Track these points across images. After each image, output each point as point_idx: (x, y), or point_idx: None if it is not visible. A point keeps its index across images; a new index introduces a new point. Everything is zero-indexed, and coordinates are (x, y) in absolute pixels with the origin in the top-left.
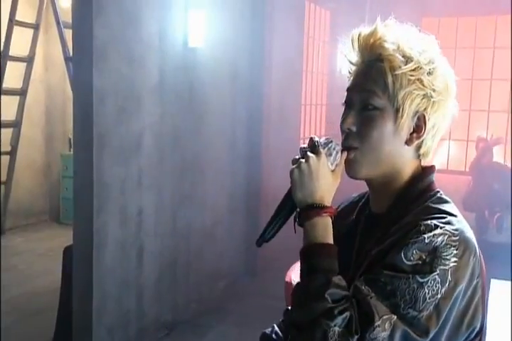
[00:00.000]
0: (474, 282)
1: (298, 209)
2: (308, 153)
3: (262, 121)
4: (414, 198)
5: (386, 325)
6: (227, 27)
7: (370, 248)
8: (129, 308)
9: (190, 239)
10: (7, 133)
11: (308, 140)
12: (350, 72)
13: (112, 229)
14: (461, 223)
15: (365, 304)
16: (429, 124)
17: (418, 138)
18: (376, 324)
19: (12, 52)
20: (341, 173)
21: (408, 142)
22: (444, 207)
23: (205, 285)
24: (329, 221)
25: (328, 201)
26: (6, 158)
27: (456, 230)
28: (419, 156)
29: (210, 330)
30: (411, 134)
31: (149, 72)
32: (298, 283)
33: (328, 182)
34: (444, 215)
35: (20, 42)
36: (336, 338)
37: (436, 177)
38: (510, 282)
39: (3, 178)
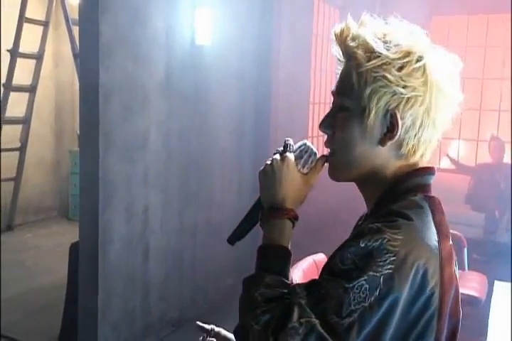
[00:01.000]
0: (427, 293)
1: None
2: (274, 156)
3: (270, 119)
4: (391, 200)
5: (301, 329)
6: (235, 25)
7: None
8: (135, 305)
9: (197, 236)
10: (16, 129)
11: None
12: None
13: (117, 227)
14: (415, 228)
15: (290, 306)
16: (405, 122)
17: (391, 138)
18: (290, 326)
19: (22, 49)
20: (315, 177)
21: (381, 142)
22: (408, 210)
23: (211, 283)
24: (286, 224)
25: (290, 204)
26: (15, 155)
27: (400, 235)
28: (403, 156)
29: None
30: (385, 134)
31: (156, 70)
32: (242, 281)
33: (293, 185)
34: (396, 218)
35: (30, 39)
36: (256, 338)
37: (444, 177)
38: (510, 283)
39: (13, 174)
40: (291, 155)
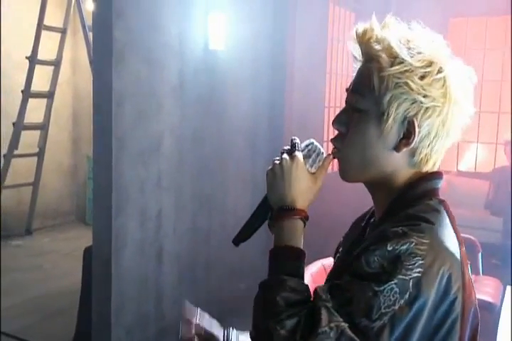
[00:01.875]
0: (450, 297)
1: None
2: (283, 155)
3: (284, 123)
4: (406, 205)
5: (332, 333)
6: (248, 29)
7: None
8: (148, 309)
9: (210, 240)
10: (35, 135)
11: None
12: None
13: (131, 230)
14: (438, 232)
15: (316, 310)
16: (421, 131)
17: (407, 144)
18: (320, 330)
19: (40, 56)
20: (322, 176)
21: (396, 148)
22: (426, 214)
23: (225, 287)
24: (298, 224)
25: (301, 204)
26: (33, 160)
27: (426, 239)
28: (415, 164)
29: None
30: (400, 140)
31: (169, 75)
32: (259, 284)
33: (303, 185)
34: (419, 222)
35: (48, 46)
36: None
37: (462, 182)
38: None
39: (31, 180)
40: (300, 155)
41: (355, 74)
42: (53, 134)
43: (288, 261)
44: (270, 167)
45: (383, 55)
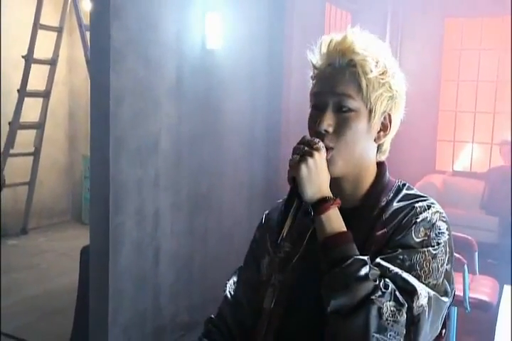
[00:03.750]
0: (451, 248)
1: (309, 206)
2: (313, 151)
3: (281, 122)
4: (382, 190)
5: (424, 293)
6: (246, 29)
7: (364, 239)
8: (145, 308)
9: (208, 239)
10: (31, 134)
11: (300, 139)
12: (312, 77)
13: (128, 229)
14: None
15: (399, 279)
16: (393, 121)
17: (384, 136)
18: (419, 292)
19: (36, 55)
20: None
21: (376, 140)
22: (417, 192)
23: (222, 286)
24: (338, 211)
25: (331, 194)
26: (29, 159)
27: (440, 208)
28: (382, 152)
29: None
30: (378, 133)
31: (167, 74)
32: (331, 272)
33: (329, 177)
34: (426, 197)
35: (44, 45)
36: (390, 312)
37: (458, 181)
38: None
39: (27, 179)
40: (320, 151)
41: (318, 79)
42: (49, 133)
43: (351, 244)
44: (302, 163)
45: (369, 60)
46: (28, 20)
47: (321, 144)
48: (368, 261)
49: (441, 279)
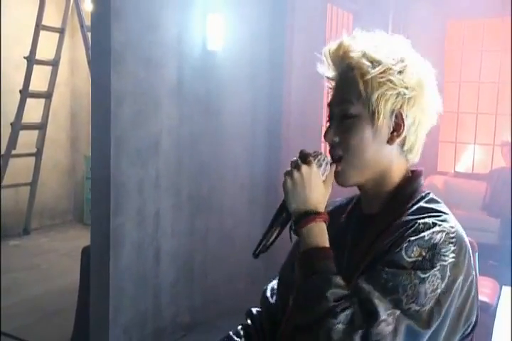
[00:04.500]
0: (470, 277)
1: (293, 218)
2: (302, 164)
3: (282, 123)
4: (405, 199)
5: (390, 320)
6: (247, 30)
7: (367, 248)
8: (146, 308)
9: (208, 240)
10: (33, 135)
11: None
12: (330, 88)
13: (128, 230)
14: (454, 220)
15: (367, 302)
16: (408, 120)
17: (398, 135)
18: (381, 319)
19: (38, 56)
20: (332, 183)
21: (390, 141)
22: (438, 206)
23: (223, 287)
24: (324, 226)
25: (321, 208)
26: (31, 160)
27: (452, 227)
28: (404, 153)
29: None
30: (391, 133)
31: (167, 75)
32: (298, 287)
33: (321, 191)
34: (440, 213)
35: (46, 46)
36: (340, 335)
37: (460, 183)
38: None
39: (29, 179)
40: (311, 165)
41: (333, 90)
42: (51, 134)
43: (325, 260)
44: (287, 176)
45: (363, 62)
46: (31, 21)
47: (321, 157)
48: (335, 280)
49: (428, 307)
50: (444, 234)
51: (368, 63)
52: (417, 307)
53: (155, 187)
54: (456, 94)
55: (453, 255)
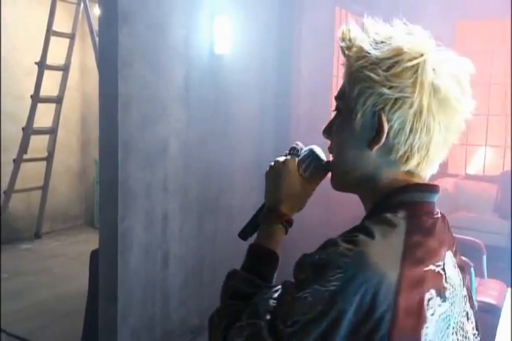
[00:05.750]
0: (376, 315)
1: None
2: (278, 158)
3: (290, 127)
4: (379, 213)
5: (246, 330)
6: (254, 34)
7: None
8: (155, 311)
9: (217, 243)
10: (44, 139)
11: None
12: None
13: (137, 233)
14: (374, 248)
15: (249, 305)
16: (393, 125)
17: (377, 141)
18: (237, 325)
19: (49, 61)
20: (318, 183)
21: (370, 145)
22: (375, 227)
23: None
24: (278, 228)
25: (286, 208)
26: (42, 164)
27: (354, 252)
28: (394, 163)
29: None
30: (374, 137)
31: (175, 79)
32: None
33: (292, 189)
34: (358, 234)
35: (56, 52)
36: (214, 329)
37: (471, 185)
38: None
39: (40, 183)
40: (293, 158)
41: None
42: (62, 139)
43: (256, 261)
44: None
45: (352, 52)
46: (41, 27)
47: (298, 152)
48: (244, 275)
49: (291, 329)
50: (337, 256)
51: (355, 55)
52: (282, 327)
53: (163, 190)
54: None
55: (337, 283)
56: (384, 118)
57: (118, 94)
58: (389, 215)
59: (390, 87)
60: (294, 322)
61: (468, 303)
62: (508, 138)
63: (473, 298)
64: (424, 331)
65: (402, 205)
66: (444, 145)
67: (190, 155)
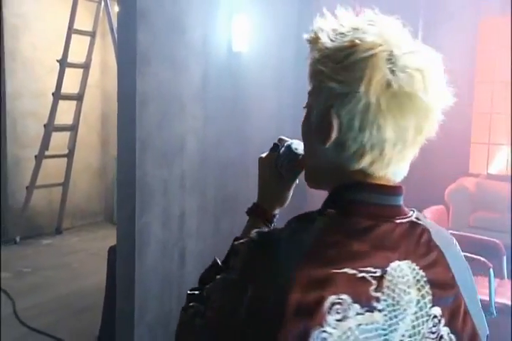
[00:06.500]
0: (269, 305)
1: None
2: (261, 154)
3: None
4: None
5: (190, 312)
6: (273, 31)
7: None
8: (171, 308)
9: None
10: (64, 136)
11: None
12: None
13: (154, 230)
14: (267, 243)
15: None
16: (342, 121)
17: (329, 136)
18: (188, 305)
19: (70, 59)
20: (295, 181)
21: (322, 141)
22: (295, 223)
23: None
24: (256, 223)
25: (267, 204)
26: (63, 161)
27: (252, 244)
28: (348, 160)
29: None
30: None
31: (192, 76)
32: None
33: (269, 184)
34: (277, 228)
35: (77, 49)
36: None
37: (493, 185)
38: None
39: (61, 180)
40: (270, 154)
41: None
42: (82, 136)
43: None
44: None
45: (311, 45)
46: (63, 25)
47: (279, 147)
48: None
49: (209, 313)
50: (243, 246)
51: (315, 47)
52: (202, 307)
53: (180, 188)
54: (489, 95)
55: (236, 271)
56: (334, 114)
57: (136, 91)
58: (314, 212)
59: (340, 82)
60: (210, 307)
61: (440, 326)
62: None
63: (472, 321)
64: (318, 334)
65: (341, 203)
66: (407, 145)
67: (207, 153)
